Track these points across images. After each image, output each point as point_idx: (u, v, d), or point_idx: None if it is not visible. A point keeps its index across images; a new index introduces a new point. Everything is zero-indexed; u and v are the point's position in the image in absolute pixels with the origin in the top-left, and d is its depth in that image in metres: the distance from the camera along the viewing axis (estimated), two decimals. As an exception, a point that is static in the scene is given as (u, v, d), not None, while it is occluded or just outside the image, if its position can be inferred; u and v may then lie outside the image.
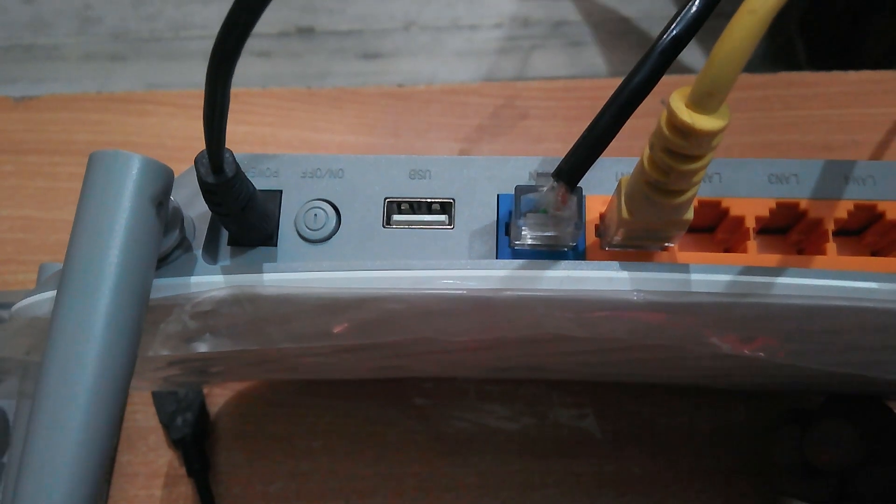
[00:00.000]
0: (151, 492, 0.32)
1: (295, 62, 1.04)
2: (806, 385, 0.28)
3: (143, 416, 0.33)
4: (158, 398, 0.33)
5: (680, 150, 0.14)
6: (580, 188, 0.17)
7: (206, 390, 0.34)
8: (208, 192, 0.17)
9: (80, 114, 0.40)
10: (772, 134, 0.39)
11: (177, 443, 0.32)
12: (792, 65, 0.94)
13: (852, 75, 0.40)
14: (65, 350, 0.15)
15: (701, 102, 0.13)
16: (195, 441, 0.32)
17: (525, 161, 0.20)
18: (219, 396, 0.34)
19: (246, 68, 0.89)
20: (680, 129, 0.14)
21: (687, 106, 0.14)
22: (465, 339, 0.19)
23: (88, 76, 1.01)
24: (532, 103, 0.40)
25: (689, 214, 0.16)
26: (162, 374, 0.26)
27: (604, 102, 0.18)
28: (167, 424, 0.33)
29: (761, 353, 0.18)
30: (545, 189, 0.16)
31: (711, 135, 0.14)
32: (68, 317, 0.16)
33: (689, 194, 0.15)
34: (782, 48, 0.99)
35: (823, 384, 0.27)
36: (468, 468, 0.32)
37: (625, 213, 0.16)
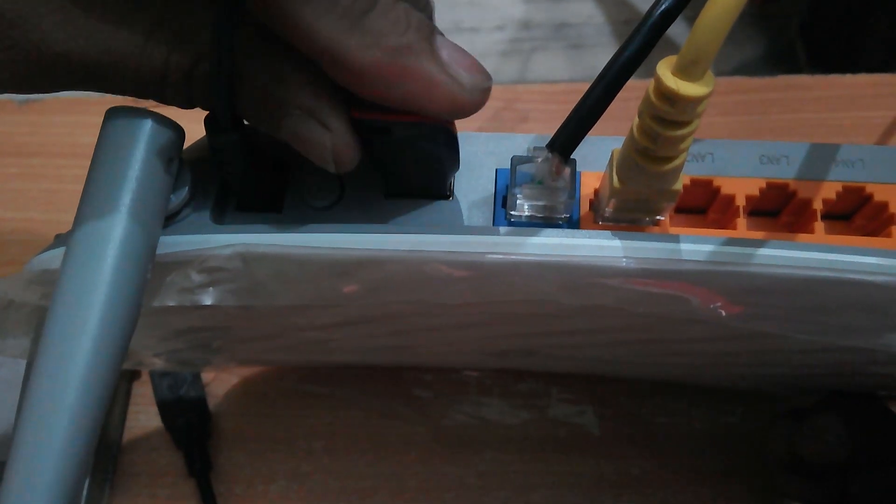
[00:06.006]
0: (154, 491, 0.32)
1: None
2: (799, 379, 0.28)
3: (146, 416, 0.33)
4: (161, 399, 0.33)
5: (667, 117, 0.15)
6: (574, 160, 0.18)
7: (206, 380, 0.34)
8: (216, 150, 0.18)
9: (84, 116, 0.41)
10: (769, 136, 0.39)
11: (179, 443, 0.33)
12: (792, 68, 0.94)
13: (850, 79, 0.40)
14: (72, 294, 0.16)
15: (686, 70, 0.14)
16: (197, 441, 0.33)
17: (523, 138, 0.20)
18: (221, 397, 0.34)
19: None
20: (666, 95, 0.14)
21: (673, 73, 0.14)
22: (461, 306, 0.20)
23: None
24: (532, 106, 0.40)
25: (678, 185, 0.17)
26: (166, 347, 0.26)
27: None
28: (170, 425, 0.33)
29: (745, 323, 0.19)
30: (540, 160, 0.17)
31: (696, 101, 0.14)
32: (77, 263, 0.16)
33: (676, 162, 0.16)
34: (783, 51, 0.99)
35: (817, 377, 0.27)
36: (468, 468, 0.33)
37: (616, 182, 0.17)
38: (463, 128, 0.19)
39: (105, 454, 0.32)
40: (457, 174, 0.20)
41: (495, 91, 0.41)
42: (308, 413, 0.34)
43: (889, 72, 0.40)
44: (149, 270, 0.17)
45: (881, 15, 0.83)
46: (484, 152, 0.20)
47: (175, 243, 0.18)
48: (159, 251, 0.18)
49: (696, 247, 0.18)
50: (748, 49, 1.00)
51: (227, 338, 0.26)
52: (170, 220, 0.19)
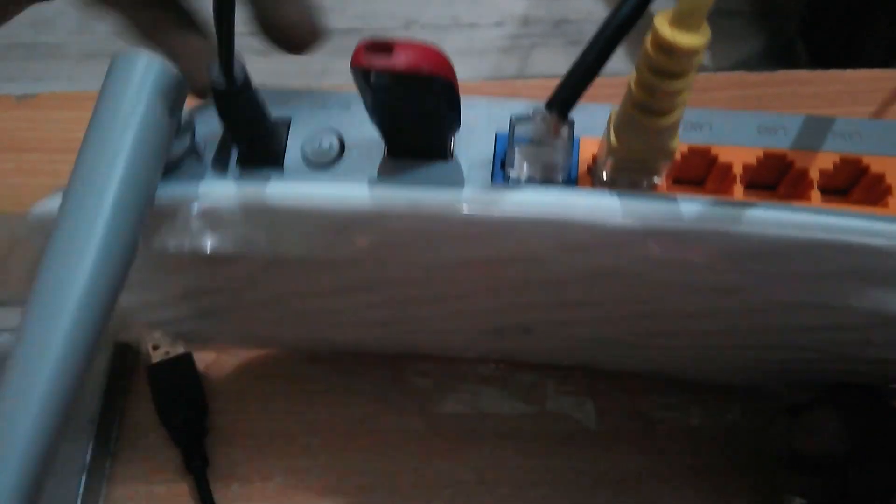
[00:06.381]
0: (151, 488, 0.32)
1: (295, 60, 1.04)
2: (797, 364, 0.28)
3: (143, 413, 0.33)
4: (158, 395, 0.33)
5: (664, 68, 0.15)
6: (572, 120, 0.18)
7: (203, 375, 0.34)
8: (219, 98, 0.18)
9: (82, 112, 0.40)
10: (769, 133, 0.39)
11: (176, 439, 0.33)
12: (792, 66, 0.94)
13: (849, 74, 0.40)
14: (71, 226, 0.17)
15: (682, 21, 0.15)
16: (195, 438, 0.33)
17: (524, 104, 0.20)
18: (218, 394, 0.34)
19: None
20: (663, 46, 0.15)
21: (670, 25, 0.15)
22: (458, 268, 0.20)
23: (89, 74, 1.02)
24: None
25: (675, 143, 0.17)
26: (166, 314, 0.26)
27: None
28: (167, 422, 0.33)
29: (738, 280, 0.19)
30: (538, 119, 0.18)
31: (692, 52, 0.15)
32: (77, 197, 0.17)
33: (673, 116, 0.16)
34: (783, 49, 0.99)
35: (815, 363, 0.27)
36: (466, 465, 0.33)
37: (613, 140, 0.17)
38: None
39: (102, 451, 0.32)
40: (457, 138, 0.20)
41: (495, 87, 0.41)
42: (305, 409, 0.34)
43: (889, 68, 0.40)
44: (148, 210, 0.18)
45: (881, 13, 0.83)
46: (485, 116, 0.20)
47: (175, 191, 0.19)
48: (160, 197, 0.18)
49: (691, 206, 0.18)
50: (748, 47, 1.00)
51: (228, 305, 0.26)
52: (171, 168, 0.19)
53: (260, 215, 0.19)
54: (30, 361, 0.16)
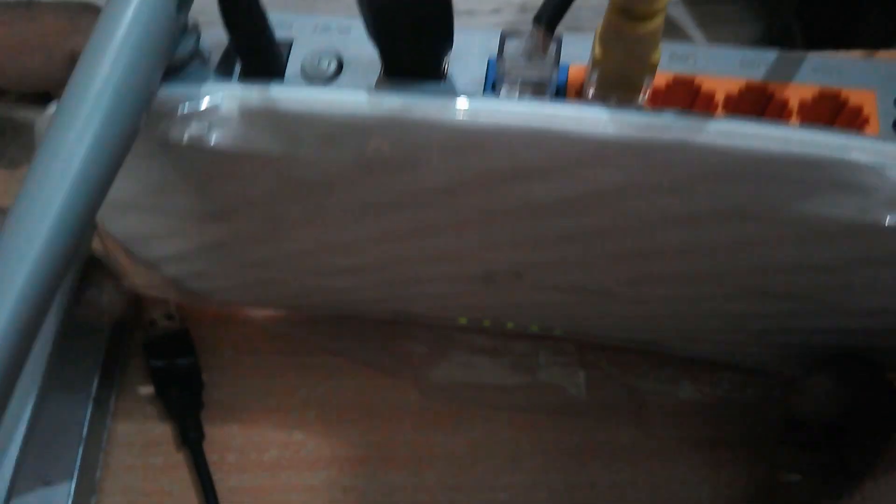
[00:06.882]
0: (147, 460, 0.33)
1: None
2: (784, 320, 0.28)
3: (140, 386, 0.34)
4: (154, 369, 0.33)
5: None
6: (560, 36, 0.19)
7: (201, 342, 0.34)
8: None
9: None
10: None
11: (172, 412, 0.33)
12: (788, 49, 0.94)
13: (843, 55, 0.40)
14: (71, 108, 0.17)
15: None
16: (191, 411, 0.33)
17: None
18: (214, 368, 0.34)
19: (244, 53, 0.87)
20: None
21: None
22: (448, 193, 0.21)
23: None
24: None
25: (656, 56, 0.18)
26: (162, 248, 0.27)
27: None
28: (163, 395, 0.33)
29: (719, 201, 0.20)
30: (527, 34, 0.19)
31: None
32: (80, 78, 0.17)
33: (653, 23, 0.17)
34: (780, 32, 0.99)
35: (803, 317, 0.27)
36: (459, 437, 0.33)
37: (597, 53, 0.18)
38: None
39: (99, 424, 0.32)
40: (450, 63, 0.21)
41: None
42: (301, 383, 0.34)
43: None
44: (150, 97, 0.18)
45: (878, -3, 0.83)
46: (478, 44, 0.21)
47: (178, 90, 0.20)
48: (163, 96, 0.19)
49: (677, 119, 0.18)
50: (745, 30, 0.99)
51: (225, 238, 0.27)
52: (176, 71, 0.20)
53: (260, 115, 0.20)
54: (24, 223, 0.16)
